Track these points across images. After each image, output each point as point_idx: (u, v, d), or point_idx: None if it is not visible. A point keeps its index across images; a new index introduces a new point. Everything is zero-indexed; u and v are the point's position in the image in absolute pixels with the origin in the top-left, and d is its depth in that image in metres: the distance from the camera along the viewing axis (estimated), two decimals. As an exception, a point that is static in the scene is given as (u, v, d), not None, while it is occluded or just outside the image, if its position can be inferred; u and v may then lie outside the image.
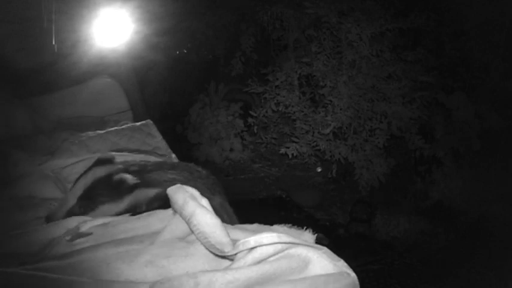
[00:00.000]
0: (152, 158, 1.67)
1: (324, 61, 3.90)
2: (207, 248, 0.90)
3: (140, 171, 1.30)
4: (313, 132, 3.93)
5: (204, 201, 0.96)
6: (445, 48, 3.88)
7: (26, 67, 2.04)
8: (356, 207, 3.74)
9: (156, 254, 0.92)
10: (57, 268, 0.90)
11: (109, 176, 1.25)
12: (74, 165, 1.57)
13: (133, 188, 1.25)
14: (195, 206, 0.92)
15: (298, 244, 0.84)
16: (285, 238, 0.84)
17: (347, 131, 3.93)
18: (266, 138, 4.59)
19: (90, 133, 1.88)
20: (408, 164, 4.05)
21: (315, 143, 3.91)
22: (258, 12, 4.31)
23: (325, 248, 0.88)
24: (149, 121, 2.06)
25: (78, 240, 1.05)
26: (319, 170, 4.40)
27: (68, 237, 1.06)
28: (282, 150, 3.97)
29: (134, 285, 0.83)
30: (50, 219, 1.20)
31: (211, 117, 4.74)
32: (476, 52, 3.73)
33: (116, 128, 1.98)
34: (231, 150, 4.73)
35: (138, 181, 1.25)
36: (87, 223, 1.13)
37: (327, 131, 3.81)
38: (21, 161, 1.57)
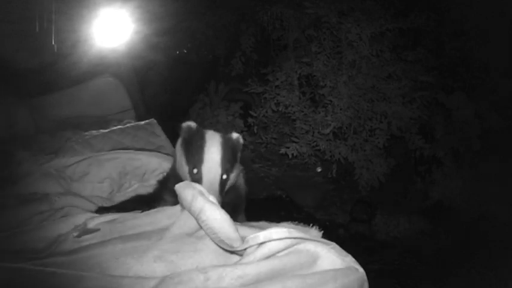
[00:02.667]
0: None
1: (324, 61, 3.90)
2: (216, 243, 0.89)
3: None
4: (313, 132, 3.93)
5: (212, 197, 0.97)
6: (445, 48, 3.88)
7: (26, 67, 2.04)
8: (356, 207, 3.74)
9: (165, 250, 0.92)
10: (66, 263, 0.89)
11: (226, 139, 1.32)
12: (78, 164, 1.57)
13: (240, 146, 1.38)
14: (203, 202, 0.92)
15: (307, 239, 0.84)
16: (294, 233, 0.84)
17: (347, 131, 3.93)
18: (266, 138, 4.59)
19: (94, 132, 1.88)
20: (408, 164, 4.05)
21: (315, 143, 3.91)
22: (258, 12, 4.31)
23: (333, 244, 0.89)
24: (153, 120, 2.06)
25: (85, 237, 1.04)
26: (319, 170, 4.40)
27: (75, 234, 1.06)
28: (282, 150, 3.97)
29: (143, 280, 0.82)
30: None
31: (211, 117, 4.74)
32: (476, 52, 3.72)
33: (119, 126, 1.98)
34: (231, 150, 4.72)
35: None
36: (95, 219, 1.13)
37: (327, 131, 3.80)
38: (25, 160, 1.58)
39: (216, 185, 1.19)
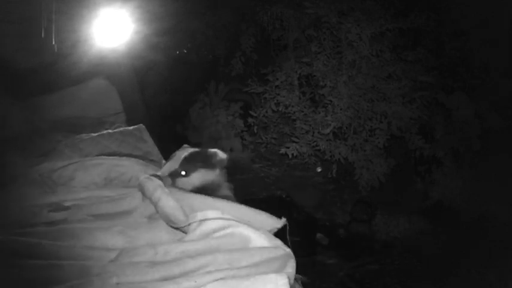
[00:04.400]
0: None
1: (324, 61, 3.90)
2: (167, 223, 1.13)
3: None
4: (313, 132, 3.93)
5: (167, 189, 1.23)
6: (445, 48, 3.87)
7: (26, 67, 2.04)
8: (356, 207, 3.74)
9: (127, 226, 1.14)
10: (45, 233, 1.07)
11: (203, 151, 1.56)
12: (65, 168, 1.57)
13: (223, 163, 1.53)
14: (161, 192, 1.19)
15: (239, 224, 1.02)
16: (227, 216, 1.04)
17: (347, 131, 3.93)
18: (266, 138, 4.59)
19: (84, 135, 1.88)
20: (408, 164, 4.05)
21: (315, 143, 3.91)
22: (258, 12, 4.30)
23: (262, 229, 1.04)
24: (141, 126, 2.06)
25: (60, 213, 1.23)
26: (319, 170, 4.40)
27: (50, 208, 1.24)
28: (282, 150, 3.97)
29: (107, 251, 1.02)
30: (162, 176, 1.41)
31: (211, 117, 4.74)
32: (476, 52, 3.72)
33: (108, 131, 1.98)
34: (231, 150, 4.73)
35: (228, 158, 1.57)
36: (68, 202, 1.32)
37: (327, 131, 3.80)
38: (14, 163, 1.58)
39: (166, 171, 1.43)
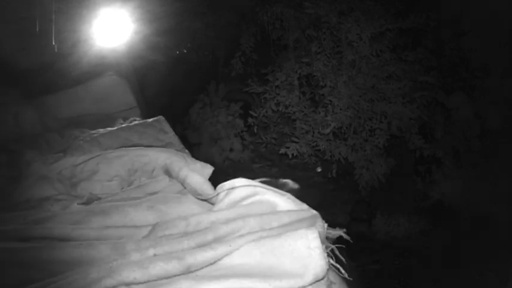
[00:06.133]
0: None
1: (324, 61, 3.90)
2: (195, 197, 1.19)
3: None
4: (313, 132, 3.93)
5: (193, 166, 1.34)
6: (445, 48, 3.88)
7: (26, 67, 2.04)
8: (356, 207, 3.74)
9: (156, 201, 1.18)
10: (77, 213, 1.13)
11: (276, 179, 1.48)
12: (87, 163, 1.55)
13: (295, 191, 1.44)
14: (188, 171, 1.28)
15: (265, 189, 1.05)
16: (253, 182, 1.06)
17: (347, 131, 3.93)
18: (266, 138, 4.59)
19: (102, 130, 1.86)
20: (408, 164, 4.05)
21: (315, 143, 3.91)
22: (258, 12, 4.31)
23: (288, 194, 1.06)
24: (161, 117, 2.05)
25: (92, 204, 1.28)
26: (319, 170, 4.40)
27: (83, 200, 1.28)
28: (282, 150, 3.97)
29: (138, 228, 1.05)
30: None
31: (211, 117, 4.74)
32: (476, 52, 3.72)
33: (127, 124, 1.97)
34: (231, 150, 4.73)
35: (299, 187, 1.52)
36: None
37: (327, 131, 3.81)
38: (34, 160, 1.56)
39: None
